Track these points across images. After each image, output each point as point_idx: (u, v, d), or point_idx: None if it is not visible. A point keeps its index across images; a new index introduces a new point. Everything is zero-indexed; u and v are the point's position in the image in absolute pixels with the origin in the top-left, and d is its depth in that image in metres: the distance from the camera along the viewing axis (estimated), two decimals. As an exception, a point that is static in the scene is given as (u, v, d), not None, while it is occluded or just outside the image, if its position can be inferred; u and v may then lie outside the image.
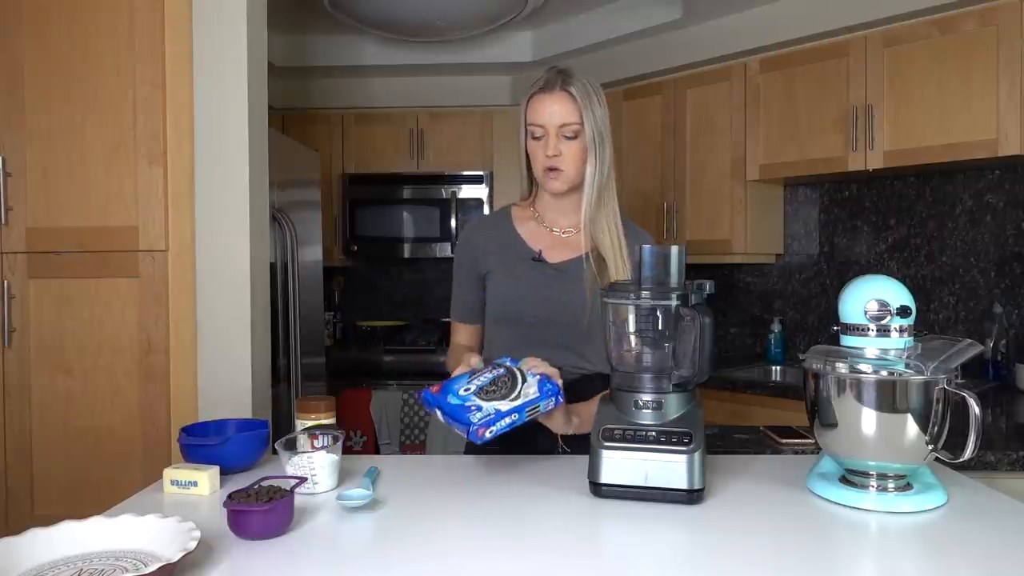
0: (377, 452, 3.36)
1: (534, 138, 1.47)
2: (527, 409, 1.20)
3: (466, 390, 1.23)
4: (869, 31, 2.66)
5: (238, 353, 1.99)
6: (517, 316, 1.49)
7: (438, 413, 1.21)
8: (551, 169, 1.46)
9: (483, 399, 1.20)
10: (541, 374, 1.27)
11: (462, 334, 1.62)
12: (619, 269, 1.46)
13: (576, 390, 1.49)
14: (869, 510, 1.09)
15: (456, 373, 1.31)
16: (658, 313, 1.20)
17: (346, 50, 3.72)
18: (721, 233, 3.14)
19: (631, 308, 1.22)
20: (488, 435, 1.15)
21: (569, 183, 1.47)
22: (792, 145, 2.89)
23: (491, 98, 3.89)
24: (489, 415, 1.16)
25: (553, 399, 1.24)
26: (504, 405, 1.19)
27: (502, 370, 1.27)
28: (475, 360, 1.32)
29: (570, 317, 1.47)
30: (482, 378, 1.25)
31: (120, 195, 1.97)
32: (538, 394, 1.23)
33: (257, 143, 2.05)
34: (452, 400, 1.22)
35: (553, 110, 1.44)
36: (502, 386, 1.24)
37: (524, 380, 1.25)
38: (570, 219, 1.54)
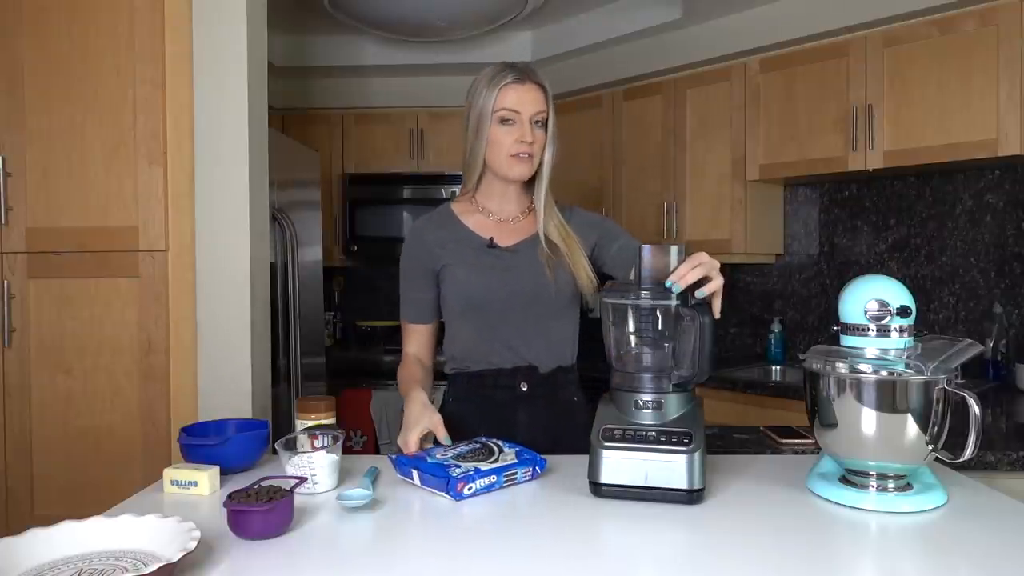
0: (377, 452, 3.36)
1: (502, 123, 1.49)
2: (505, 473, 1.20)
3: (443, 455, 1.24)
4: (869, 31, 2.66)
5: (238, 353, 1.99)
6: (480, 304, 1.51)
7: (414, 474, 1.21)
8: (521, 154, 1.49)
9: (461, 461, 1.21)
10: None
11: (414, 339, 1.61)
12: (571, 248, 1.52)
13: (551, 383, 1.53)
14: (869, 510, 1.09)
15: (405, 429, 1.33)
16: (658, 313, 1.20)
17: (346, 50, 3.72)
18: (721, 233, 3.14)
19: (631, 308, 1.22)
20: (467, 491, 1.15)
21: (533, 169, 1.53)
22: (792, 145, 2.89)
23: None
24: (468, 472, 1.17)
25: (531, 468, 1.24)
26: (483, 466, 1.20)
27: (478, 444, 1.29)
28: (420, 410, 1.35)
29: (533, 298, 1.50)
30: (458, 449, 1.27)
31: (120, 195, 1.97)
32: (516, 460, 1.23)
33: (257, 143, 2.05)
34: (430, 460, 1.22)
35: (529, 98, 1.49)
36: (478, 454, 1.25)
37: (501, 451, 1.27)
38: (515, 207, 1.59)
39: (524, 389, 1.52)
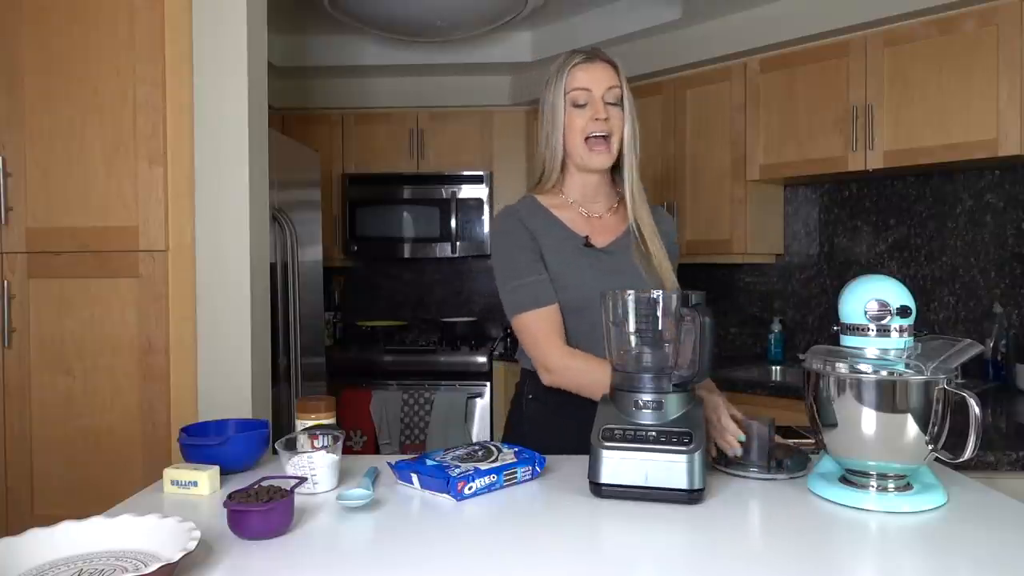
0: (377, 452, 3.36)
1: (576, 106, 1.45)
2: (505, 472, 1.21)
3: (441, 458, 1.24)
4: (869, 31, 2.66)
5: (238, 353, 1.99)
6: (576, 306, 1.44)
7: (414, 479, 1.21)
8: (597, 138, 1.44)
9: (460, 462, 1.21)
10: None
11: (554, 327, 1.42)
12: (657, 248, 1.47)
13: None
14: (869, 510, 1.09)
15: None
16: (658, 313, 1.20)
17: (346, 50, 3.72)
18: (721, 233, 3.14)
19: (631, 308, 1.22)
20: (467, 491, 1.15)
21: (613, 155, 1.47)
22: (792, 145, 2.89)
23: (491, 98, 3.89)
24: (468, 471, 1.17)
25: (531, 467, 1.24)
26: (483, 466, 1.20)
27: (476, 446, 1.30)
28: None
29: None
30: (457, 452, 1.27)
31: (120, 195, 1.97)
32: (516, 460, 1.23)
33: (257, 143, 2.05)
34: (429, 462, 1.22)
35: (599, 76, 1.45)
36: (477, 455, 1.25)
37: (500, 451, 1.27)
38: (602, 201, 1.54)
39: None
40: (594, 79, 1.45)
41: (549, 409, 1.50)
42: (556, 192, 1.54)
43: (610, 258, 1.48)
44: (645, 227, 1.47)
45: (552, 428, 1.45)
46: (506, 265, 1.47)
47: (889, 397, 1.08)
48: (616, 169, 1.53)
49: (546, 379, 1.44)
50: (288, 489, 1.03)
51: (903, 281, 1.18)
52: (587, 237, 1.48)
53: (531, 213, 1.51)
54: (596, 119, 1.44)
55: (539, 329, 1.43)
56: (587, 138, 1.45)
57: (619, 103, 1.46)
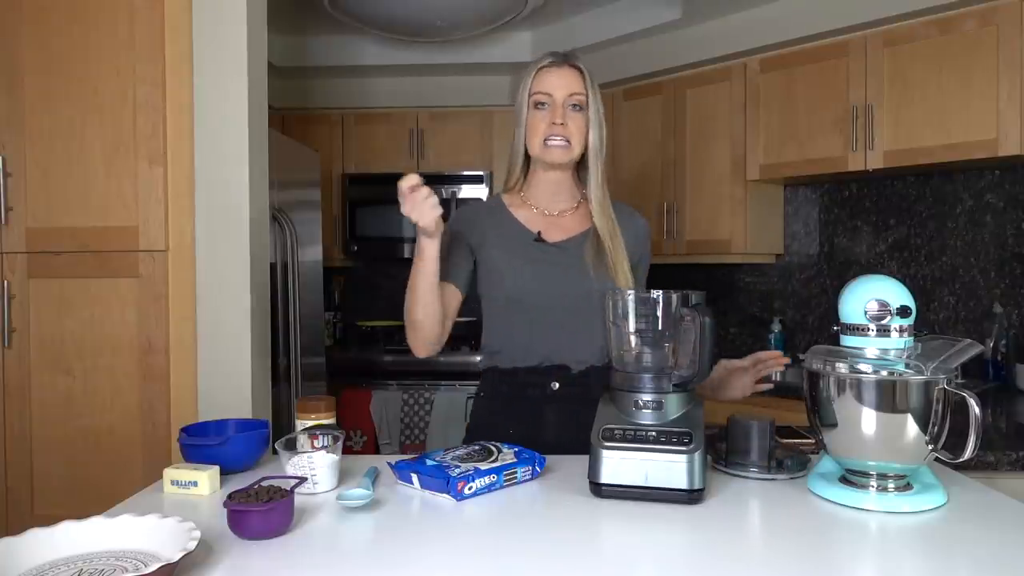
0: (377, 452, 3.36)
1: (537, 107, 1.48)
2: (505, 472, 1.20)
3: (441, 458, 1.24)
4: (869, 31, 2.66)
5: (238, 353, 1.99)
6: (521, 298, 1.48)
7: (414, 479, 1.21)
8: (555, 137, 1.47)
9: (460, 462, 1.21)
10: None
11: (451, 289, 1.53)
12: (615, 248, 1.49)
13: (583, 383, 1.50)
14: (869, 510, 1.09)
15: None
16: (658, 313, 1.20)
17: (346, 50, 3.72)
18: (721, 233, 3.14)
19: (631, 308, 1.22)
20: (467, 491, 1.15)
21: (569, 156, 1.49)
22: (792, 145, 2.89)
23: (491, 98, 3.89)
24: (468, 471, 1.17)
25: (530, 467, 1.24)
26: (483, 466, 1.20)
27: (476, 446, 1.29)
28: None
29: (577, 296, 1.48)
30: (457, 452, 1.27)
31: (120, 195, 1.97)
32: (516, 460, 1.23)
33: (257, 143, 2.05)
34: (429, 462, 1.22)
35: (562, 82, 1.47)
36: (477, 455, 1.25)
37: (499, 451, 1.26)
38: (563, 201, 1.56)
39: (555, 388, 1.50)
40: (557, 84, 1.47)
41: (493, 407, 1.54)
42: (518, 191, 1.58)
43: (559, 253, 1.51)
44: (603, 231, 1.50)
45: (493, 427, 1.46)
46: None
47: (889, 397, 1.08)
48: (582, 170, 1.55)
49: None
50: (288, 489, 1.03)
51: (903, 281, 1.18)
52: (539, 232, 1.52)
53: (490, 211, 1.56)
54: (554, 123, 1.47)
55: None
56: (545, 139, 1.48)
57: (583, 108, 1.49)
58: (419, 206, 1.26)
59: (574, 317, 1.49)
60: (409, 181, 1.25)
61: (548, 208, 1.56)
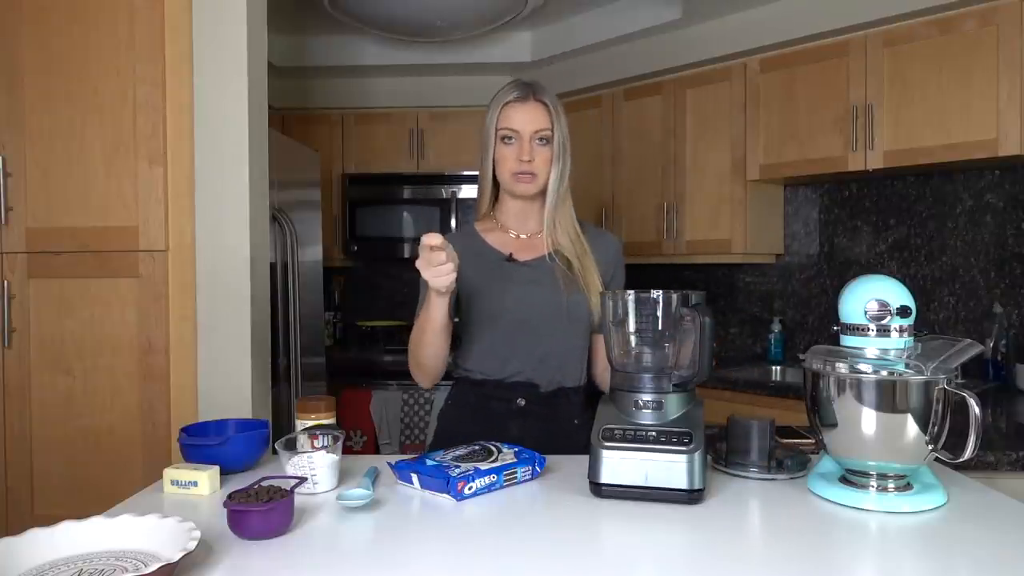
0: (377, 452, 3.36)
1: (505, 141, 1.51)
2: (505, 472, 1.21)
3: (441, 458, 1.24)
4: (869, 31, 2.66)
5: (238, 353, 1.99)
6: (492, 315, 1.51)
7: (414, 479, 1.21)
8: (523, 173, 1.50)
9: (460, 462, 1.21)
10: None
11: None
12: (585, 267, 1.52)
13: (551, 403, 1.52)
14: (869, 510, 1.09)
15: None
16: (658, 313, 1.20)
17: (346, 50, 3.72)
18: (721, 233, 3.14)
19: (631, 308, 1.22)
20: (467, 491, 1.15)
21: (538, 187, 1.53)
22: (792, 145, 2.89)
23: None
24: (468, 471, 1.17)
25: (530, 467, 1.24)
26: (483, 466, 1.20)
27: (476, 446, 1.30)
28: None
29: (551, 312, 1.50)
30: (457, 452, 1.27)
31: (120, 195, 1.97)
32: (516, 460, 1.24)
33: (257, 143, 2.05)
34: (429, 462, 1.22)
35: (528, 117, 1.50)
36: (477, 455, 1.25)
37: (499, 451, 1.27)
38: (533, 224, 1.60)
39: (521, 404, 1.51)
40: (523, 120, 1.50)
41: (459, 415, 1.56)
42: (489, 217, 1.62)
43: (530, 270, 1.54)
44: (566, 248, 1.53)
45: (456, 436, 1.45)
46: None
47: (889, 397, 1.09)
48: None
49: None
50: (288, 489, 1.03)
51: (903, 281, 1.18)
52: (511, 254, 1.56)
53: (460, 239, 1.58)
54: (521, 159, 1.49)
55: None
56: (513, 174, 1.51)
57: (548, 142, 1.51)
58: (435, 270, 1.26)
59: (548, 335, 1.51)
60: (432, 240, 1.24)
61: (519, 231, 1.59)
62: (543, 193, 1.55)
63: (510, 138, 1.50)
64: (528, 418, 1.51)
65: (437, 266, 1.25)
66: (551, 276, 1.52)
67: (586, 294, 1.51)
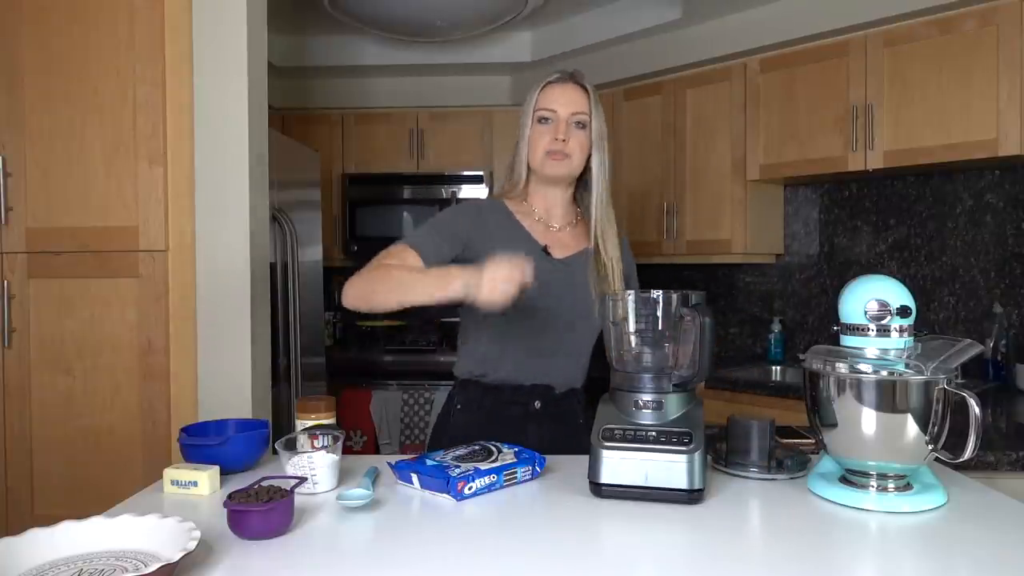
0: (377, 452, 3.36)
1: (541, 122, 1.48)
2: (505, 472, 1.21)
3: (441, 458, 1.24)
4: (869, 31, 2.66)
5: (238, 353, 1.99)
6: (525, 313, 1.43)
7: (414, 479, 1.21)
8: (556, 152, 1.47)
9: (460, 462, 1.21)
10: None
11: (399, 258, 1.43)
12: (616, 272, 1.49)
13: (563, 404, 1.51)
14: (869, 510, 1.09)
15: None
16: (658, 313, 1.20)
17: (346, 50, 3.72)
18: (721, 233, 3.14)
19: (631, 308, 1.22)
20: (467, 491, 1.15)
21: (569, 170, 1.49)
22: (792, 145, 2.89)
23: (491, 98, 3.89)
24: (468, 471, 1.17)
25: (531, 467, 1.24)
26: (483, 466, 1.20)
27: (476, 446, 1.30)
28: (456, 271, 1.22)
29: (579, 314, 1.48)
30: (457, 452, 1.27)
31: (120, 195, 1.97)
32: (516, 460, 1.24)
33: (257, 143, 2.05)
34: (429, 462, 1.22)
35: (567, 99, 1.48)
36: (477, 455, 1.25)
37: (499, 451, 1.27)
38: (564, 214, 1.56)
39: (537, 407, 1.50)
40: (561, 101, 1.48)
41: (476, 421, 1.50)
42: (521, 201, 1.56)
43: (567, 269, 1.50)
44: (610, 253, 1.50)
45: (470, 440, 1.40)
46: (436, 220, 1.48)
47: (889, 397, 1.08)
48: (581, 189, 1.56)
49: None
50: (288, 489, 1.03)
51: (903, 281, 1.18)
52: (546, 246, 1.51)
53: (494, 210, 1.53)
54: (556, 138, 1.47)
55: (393, 257, 1.42)
56: (546, 153, 1.48)
57: (585, 126, 1.49)
58: (497, 296, 1.19)
59: (570, 337, 1.49)
60: (525, 280, 1.19)
61: (550, 220, 1.55)
62: (571, 183, 1.53)
63: (547, 119, 1.48)
64: (543, 420, 1.50)
65: (502, 295, 1.18)
66: (584, 277, 1.49)
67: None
